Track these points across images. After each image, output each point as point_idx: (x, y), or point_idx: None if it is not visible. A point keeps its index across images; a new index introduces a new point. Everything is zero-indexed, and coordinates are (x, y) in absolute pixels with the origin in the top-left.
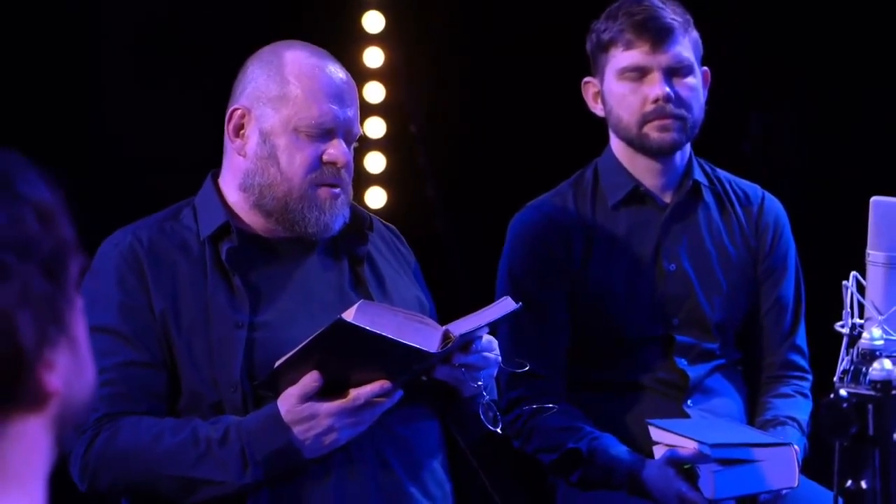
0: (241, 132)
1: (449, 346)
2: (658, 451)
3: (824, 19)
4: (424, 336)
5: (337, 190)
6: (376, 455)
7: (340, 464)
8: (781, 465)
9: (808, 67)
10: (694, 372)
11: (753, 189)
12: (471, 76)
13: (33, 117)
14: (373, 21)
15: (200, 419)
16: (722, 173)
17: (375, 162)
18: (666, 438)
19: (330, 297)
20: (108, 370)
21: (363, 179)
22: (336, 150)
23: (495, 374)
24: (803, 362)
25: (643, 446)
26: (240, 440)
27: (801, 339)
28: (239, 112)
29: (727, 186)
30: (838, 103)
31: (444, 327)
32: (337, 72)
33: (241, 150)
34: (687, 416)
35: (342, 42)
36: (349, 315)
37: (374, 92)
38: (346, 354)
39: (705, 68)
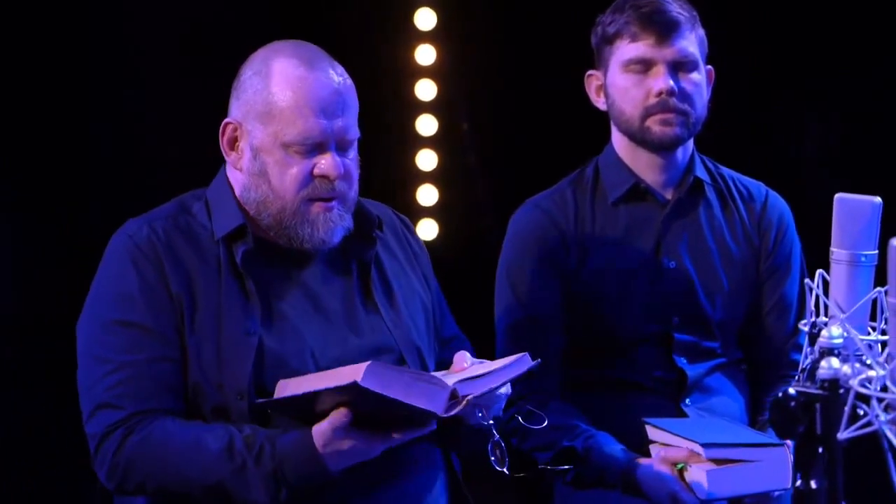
0: (236, 145)
1: (454, 410)
2: (654, 450)
3: (882, 20)
4: (431, 396)
5: (331, 203)
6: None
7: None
8: (775, 465)
9: (862, 69)
10: (693, 370)
11: (757, 187)
12: (522, 74)
13: (36, 114)
14: (425, 18)
15: (224, 425)
16: (725, 170)
17: (427, 159)
18: (661, 437)
19: (337, 306)
20: (132, 365)
21: (414, 177)
22: (328, 164)
23: (504, 404)
24: None
25: (640, 444)
26: (273, 460)
27: (805, 338)
28: (231, 126)
29: (730, 184)
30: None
31: (451, 385)
32: (326, 80)
33: (237, 163)
34: (685, 414)
35: (394, 39)
36: (358, 377)
37: (426, 89)
38: (358, 406)
39: (710, 67)
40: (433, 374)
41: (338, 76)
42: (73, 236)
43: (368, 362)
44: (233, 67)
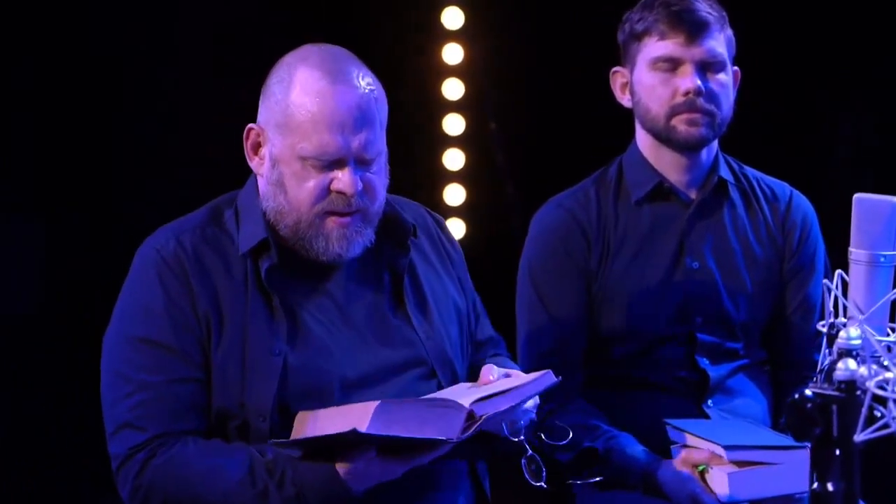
0: (260, 150)
1: (470, 431)
2: (675, 451)
3: None
4: (447, 421)
5: (347, 219)
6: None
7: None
8: (798, 468)
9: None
10: (715, 372)
11: (781, 187)
12: (549, 73)
13: (59, 114)
14: (452, 17)
15: (246, 449)
16: (749, 171)
17: (454, 159)
18: (683, 438)
19: (367, 318)
20: (154, 386)
21: (441, 176)
22: (345, 180)
23: (534, 414)
24: None
25: (662, 445)
26: (295, 485)
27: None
28: (254, 131)
29: (754, 184)
30: None
31: (469, 407)
32: (348, 94)
33: (259, 169)
34: (707, 416)
35: (422, 38)
36: (364, 421)
37: (453, 89)
38: (372, 444)
39: (736, 68)
40: (448, 397)
41: (363, 88)
42: (81, 239)
43: (377, 402)
44: (259, 68)
